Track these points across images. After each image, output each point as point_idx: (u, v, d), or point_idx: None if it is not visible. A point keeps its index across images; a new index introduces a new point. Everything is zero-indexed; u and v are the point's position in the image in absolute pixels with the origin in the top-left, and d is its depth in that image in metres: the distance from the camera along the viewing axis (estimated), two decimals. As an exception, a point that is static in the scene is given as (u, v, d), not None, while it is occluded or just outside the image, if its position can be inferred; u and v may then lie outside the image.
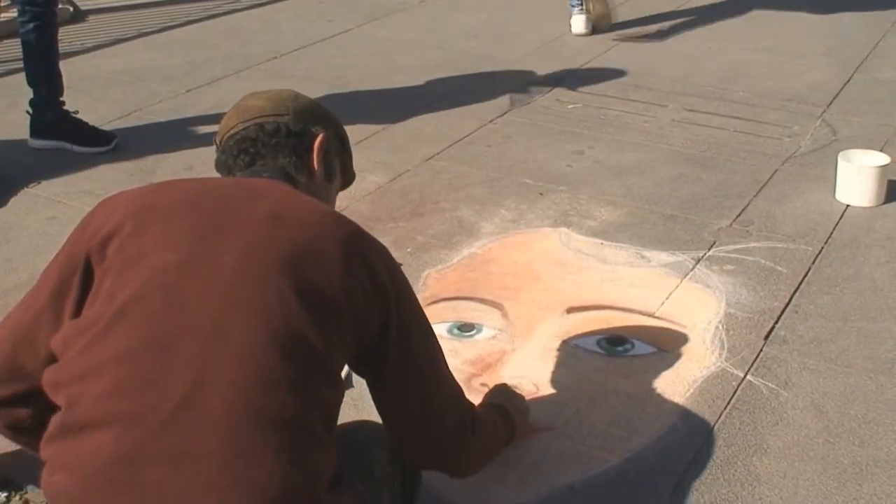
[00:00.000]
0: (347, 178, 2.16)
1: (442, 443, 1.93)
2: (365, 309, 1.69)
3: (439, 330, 2.85)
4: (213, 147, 2.06)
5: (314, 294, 1.62)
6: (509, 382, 2.60)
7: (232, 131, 1.98)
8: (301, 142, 1.97)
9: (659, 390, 2.63)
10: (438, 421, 1.90)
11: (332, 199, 2.08)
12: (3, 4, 5.37)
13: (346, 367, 1.83)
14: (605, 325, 2.90)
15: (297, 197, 1.81)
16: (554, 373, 2.70)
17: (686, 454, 2.40)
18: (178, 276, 1.62)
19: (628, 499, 2.27)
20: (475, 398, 2.54)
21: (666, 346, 2.81)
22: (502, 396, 2.41)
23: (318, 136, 1.99)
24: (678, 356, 2.77)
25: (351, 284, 1.67)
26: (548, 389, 2.64)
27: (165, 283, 1.61)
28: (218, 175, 2.01)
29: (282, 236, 1.67)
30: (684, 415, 2.54)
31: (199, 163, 3.92)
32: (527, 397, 2.52)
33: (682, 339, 2.85)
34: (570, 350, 2.79)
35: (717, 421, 2.52)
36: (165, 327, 1.57)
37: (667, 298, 3.04)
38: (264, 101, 2.00)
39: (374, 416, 1.96)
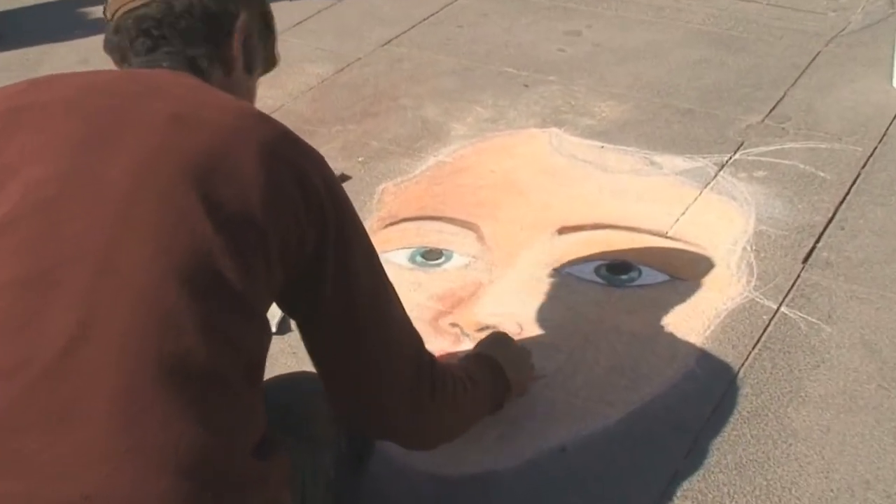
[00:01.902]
0: (269, 64, 2.13)
1: (390, 405, 1.92)
2: (295, 231, 1.68)
3: (399, 258, 2.88)
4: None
5: (229, 213, 1.60)
6: (487, 322, 2.62)
7: (130, 5, 1.93)
8: (218, 26, 1.94)
9: (671, 328, 2.64)
10: (386, 377, 1.89)
11: (252, 94, 2.05)
12: None
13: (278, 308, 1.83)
14: (605, 249, 2.90)
15: (208, 92, 1.78)
16: (542, 309, 2.71)
17: (705, 406, 2.42)
18: (57, 195, 1.59)
19: (633, 462, 2.28)
20: (446, 342, 2.56)
21: (681, 272, 2.82)
22: (494, 346, 2.41)
23: (238, 18, 1.96)
24: (696, 285, 2.78)
25: (276, 200, 1.64)
26: (534, 329, 2.64)
27: (41, 203, 1.58)
28: (109, 60, 1.98)
29: (188, 141, 1.64)
30: (703, 357, 2.55)
31: (97, 55, 3.82)
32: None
33: (701, 263, 2.86)
34: (561, 280, 2.80)
35: (743, 364, 2.53)
36: (41, 259, 1.55)
37: (682, 214, 3.04)
38: None
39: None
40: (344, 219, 1.77)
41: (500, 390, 2.31)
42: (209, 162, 1.62)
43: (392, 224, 3.03)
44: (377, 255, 1.87)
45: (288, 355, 2.49)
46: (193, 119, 1.67)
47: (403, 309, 1.93)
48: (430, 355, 2.00)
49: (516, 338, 2.57)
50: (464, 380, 2.13)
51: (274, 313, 2.24)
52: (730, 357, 2.56)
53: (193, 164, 1.61)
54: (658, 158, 3.32)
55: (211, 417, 1.53)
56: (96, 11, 4.18)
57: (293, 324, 2.54)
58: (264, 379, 1.70)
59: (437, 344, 2.52)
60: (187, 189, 1.59)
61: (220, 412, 1.55)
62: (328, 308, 1.77)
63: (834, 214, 3.05)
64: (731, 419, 2.38)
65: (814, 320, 2.66)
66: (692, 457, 2.29)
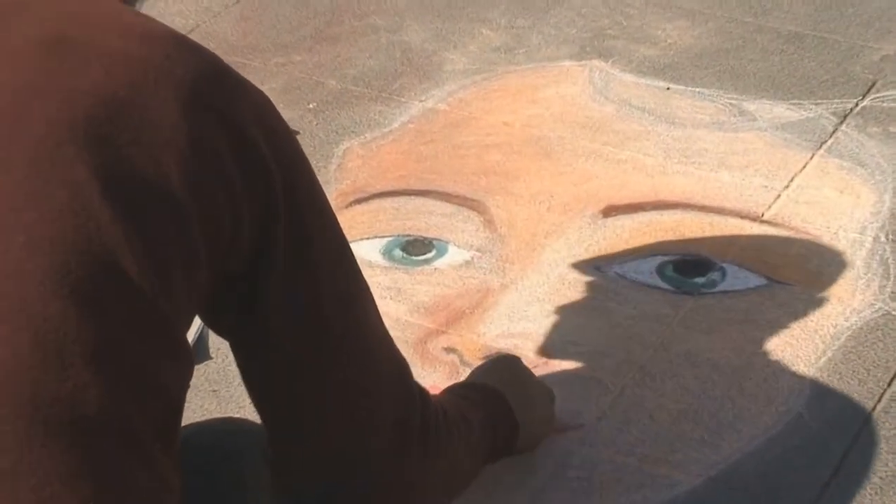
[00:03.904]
0: None
1: (367, 462, 1.94)
2: (229, 210, 1.67)
3: (369, 251, 2.91)
4: None
5: (136, 187, 1.61)
6: (497, 345, 2.65)
7: None
8: None
9: (771, 354, 2.66)
10: (360, 422, 1.92)
11: None
12: None
13: (197, 324, 1.83)
14: (671, 237, 2.93)
15: (100, 7, 1.78)
16: (578, 327, 2.73)
17: (819, 469, 2.43)
18: None
19: (714, 550, 2.32)
20: (438, 375, 2.58)
21: (782, 274, 2.85)
22: (497, 375, 2.42)
23: None
24: (805, 292, 2.80)
25: (202, 166, 1.65)
26: (566, 357, 2.66)
27: None
28: None
29: (73, 80, 1.64)
30: (816, 398, 2.57)
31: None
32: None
33: (813, 260, 2.88)
34: (608, 284, 2.82)
35: (874, 407, 2.55)
36: None
37: (785, 188, 3.07)
38: None
39: (250, 410, 1.97)
40: (298, 189, 1.77)
41: (500, 435, 2.33)
42: (106, 112, 1.62)
43: (359, 201, 3.06)
44: (348, 245, 1.88)
45: (206, 394, 2.50)
46: (81, 47, 1.67)
47: (383, 324, 1.94)
48: (420, 388, 2.03)
49: (539, 370, 2.60)
50: (458, 421, 2.15)
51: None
52: (855, 397, 2.58)
53: (83, 116, 1.61)
54: (750, 106, 3.35)
55: (107, 489, 1.54)
56: None
57: (213, 347, 2.56)
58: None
59: (426, 378, 2.53)
60: (74, 152, 1.58)
61: (121, 481, 1.56)
62: (277, 322, 1.78)
63: None
64: (859, 489, 2.40)
65: (978, 344, 2.69)
66: (800, 543, 2.33)
